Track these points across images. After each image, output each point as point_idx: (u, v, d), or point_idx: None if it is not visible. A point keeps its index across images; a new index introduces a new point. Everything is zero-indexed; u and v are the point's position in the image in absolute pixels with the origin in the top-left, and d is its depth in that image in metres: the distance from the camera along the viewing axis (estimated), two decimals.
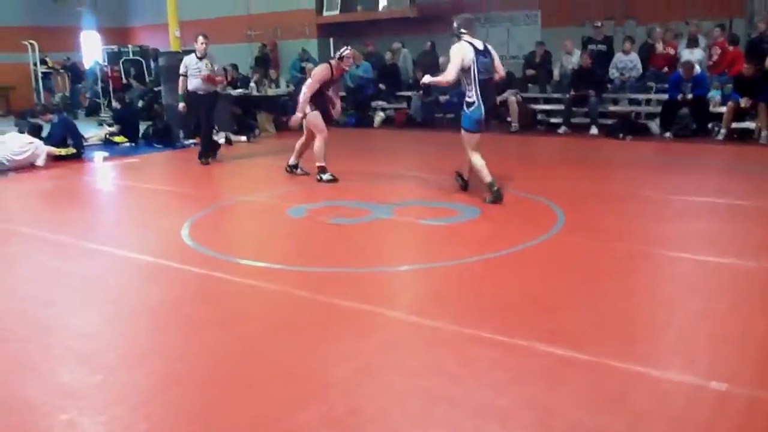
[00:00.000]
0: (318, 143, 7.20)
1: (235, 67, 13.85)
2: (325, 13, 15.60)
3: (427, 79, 6.19)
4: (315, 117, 7.18)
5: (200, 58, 8.59)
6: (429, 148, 10.08)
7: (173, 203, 6.86)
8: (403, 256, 4.83)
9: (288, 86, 13.52)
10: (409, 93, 13.06)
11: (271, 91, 13.04)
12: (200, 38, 8.61)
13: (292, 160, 7.73)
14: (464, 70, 5.80)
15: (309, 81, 7.28)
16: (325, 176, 7.19)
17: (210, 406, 2.71)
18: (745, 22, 11.74)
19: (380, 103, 13.33)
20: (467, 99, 5.88)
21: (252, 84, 13.21)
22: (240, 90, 13.15)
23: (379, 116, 13.17)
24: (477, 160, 6.04)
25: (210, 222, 5.87)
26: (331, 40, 15.63)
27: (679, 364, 2.95)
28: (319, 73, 7.15)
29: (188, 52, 9.70)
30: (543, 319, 3.45)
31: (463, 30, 5.91)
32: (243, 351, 3.20)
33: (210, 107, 8.79)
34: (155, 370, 3.04)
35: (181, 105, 8.83)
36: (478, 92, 5.82)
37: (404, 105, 13.12)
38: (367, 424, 2.55)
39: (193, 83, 8.61)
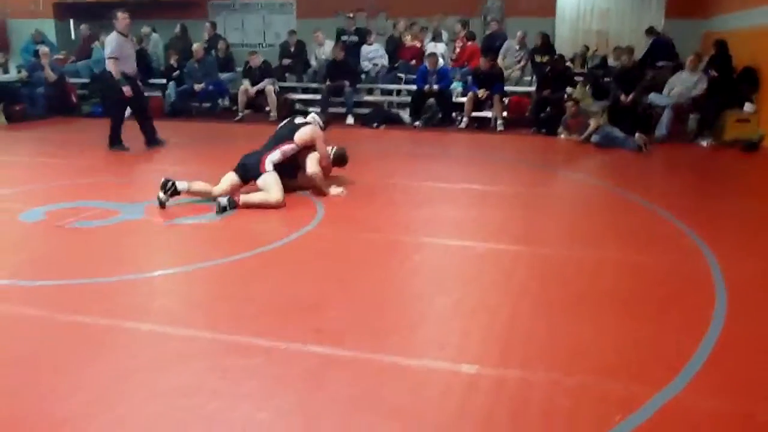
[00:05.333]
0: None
1: None
2: None
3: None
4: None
5: (126, 36, 7.97)
6: (183, 140, 9.60)
7: None
8: (155, 260, 4.48)
9: (20, 71, 12.07)
10: (162, 80, 12.33)
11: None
12: (122, 14, 7.97)
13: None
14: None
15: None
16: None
17: None
18: (481, 21, 12.82)
19: None
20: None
21: None
22: None
23: None
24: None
25: None
26: (72, 21, 14.30)
27: (433, 352, 3.06)
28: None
29: None
30: (302, 319, 3.39)
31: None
32: None
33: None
34: None
35: (127, 88, 7.96)
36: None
37: (158, 93, 12.36)
38: None
39: (129, 65, 8.08)
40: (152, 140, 8.73)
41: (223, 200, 5.43)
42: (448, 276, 4.15)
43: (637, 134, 8.50)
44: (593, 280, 4.02)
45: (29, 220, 5.19)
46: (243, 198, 5.59)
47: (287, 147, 5.93)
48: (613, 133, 8.71)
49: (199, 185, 5.70)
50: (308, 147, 6.07)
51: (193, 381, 2.78)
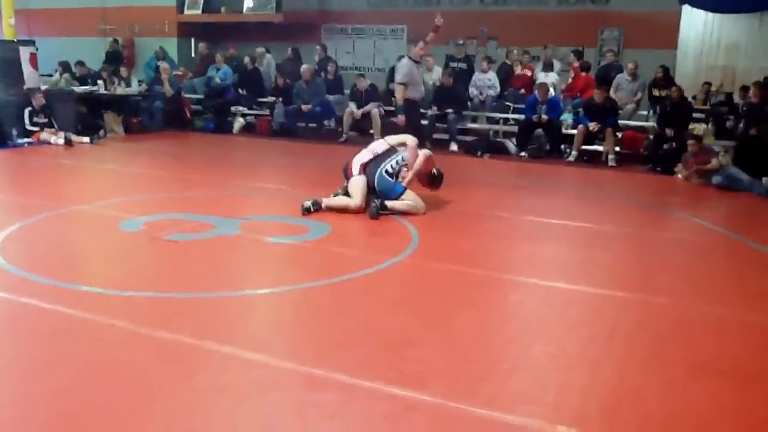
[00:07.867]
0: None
1: (80, 63, 12.86)
2: (186, 12, 14.82)
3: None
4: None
5: (418, 63, 8.39)
6: (288, 159, 9.69)
7: None
8: (245, 278, 4.41)
9: (140, 85, 12.65)
10: (272, 99, 12.57)
11: (121, 90, 12.13)
12: (421, 44, 8.48)
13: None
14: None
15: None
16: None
17: None
18: (596, 51, 12.34)
19: (240, 108, 12.76)
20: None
21: (100, 81, 12.24)
22: (87, 87, 12.15)
23: (239, 122, 12.59)
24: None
25: (28, 236, 5.17)
26: (193, 40, 14.90)
27: (526, 407, 2.77)
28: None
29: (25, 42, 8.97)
30: (387, 356, 3.18)
31: None
32: (36, 409, 2.69)
33: None
34: None
35: (402, 117, 8.22)
36: None
37: (266, 112, 12.61)
38: None
39: (416, 91, 8.44)
40: None
41: (308, 203, 5.84)
42: (546, 321, 3.83)
43: (765, 178, 7.80)
44: (714, 341, 3.58)
45: (129, 230, 5.28)
46: (326, 201, 5.97)
47: (376, 144, 6.29)
48: (738, 175, 8.03)
49: (337, 200, 6.04)
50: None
51: (266, 417, 2.63)
